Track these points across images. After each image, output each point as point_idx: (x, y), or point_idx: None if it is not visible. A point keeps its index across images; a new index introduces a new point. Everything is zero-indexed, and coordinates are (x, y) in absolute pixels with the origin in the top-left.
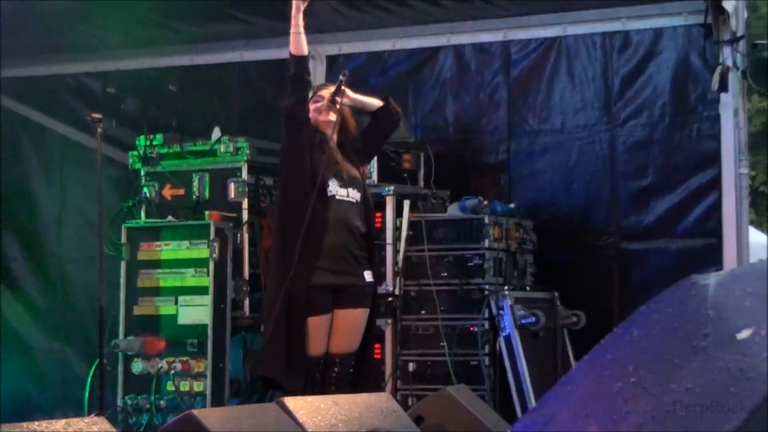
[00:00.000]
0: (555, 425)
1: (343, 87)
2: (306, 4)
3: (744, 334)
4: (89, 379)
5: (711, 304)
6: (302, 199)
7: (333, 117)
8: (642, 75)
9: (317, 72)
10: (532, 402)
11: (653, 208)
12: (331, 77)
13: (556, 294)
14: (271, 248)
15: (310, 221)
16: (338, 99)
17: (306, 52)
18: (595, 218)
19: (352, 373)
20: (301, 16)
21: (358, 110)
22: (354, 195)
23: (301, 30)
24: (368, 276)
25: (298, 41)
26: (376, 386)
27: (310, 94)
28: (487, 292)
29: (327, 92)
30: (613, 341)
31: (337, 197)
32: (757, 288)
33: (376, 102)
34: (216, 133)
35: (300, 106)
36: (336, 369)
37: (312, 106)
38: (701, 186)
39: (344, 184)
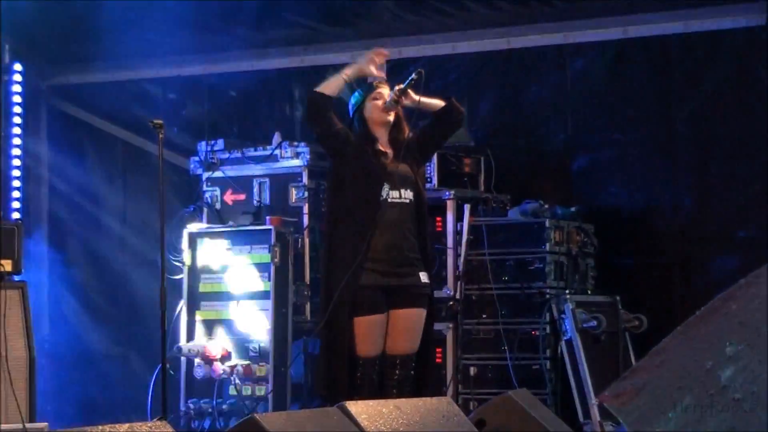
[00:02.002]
0: (647, 395)
1: (410, 87)
2: (380, 62)
3: None
4: (152, 384)
5: None
6: (352, 204)
7: (391, 117)
8: (703, 79)
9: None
10: (594, 406)
11: (716, 212)
12: (393, 81)
13: (618, 298)
14: (320, 254)
15: (360, 224)
16: (402, 98)
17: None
18: (658, 222)
19: (414, 377)
20: (359, 71)
21: (420, 111)
22: (407, 195)
23: (347, 79)
24: (424, 277)
25: (338, 86)
26: (438, 390)
27: (366, 90)
28: (548, 296)
29: (386, 90)
30: (709, 314)
31: (390, 200)
32: None
33: (438, 102)
34: (276, 138)
35: (329, 135)
36: (397, 372)
37: (370, 103)
38: (764, 191)
39: (396, 186)
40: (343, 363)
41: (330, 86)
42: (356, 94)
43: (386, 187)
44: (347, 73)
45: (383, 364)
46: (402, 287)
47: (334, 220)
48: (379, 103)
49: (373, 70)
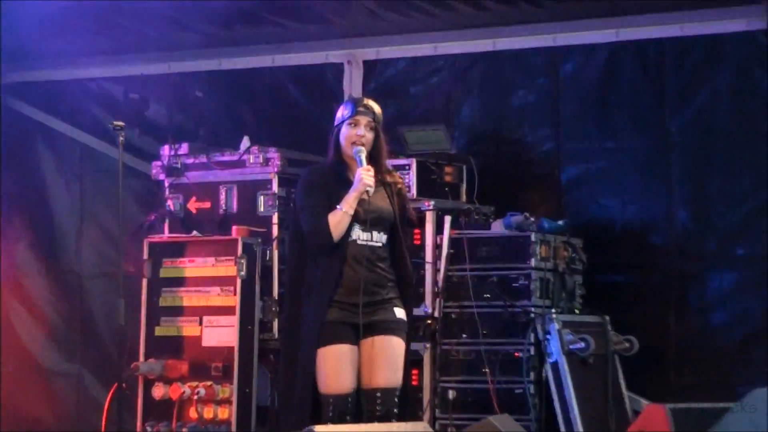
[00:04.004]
0: None
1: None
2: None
3: None
4: (107, 404)
5: None
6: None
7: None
8: (701, 86)
9: (354, 77)
10: None
11: (713, 227)
12: (367, 84)
13: (608, 318)
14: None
15: (326, 261)
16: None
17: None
18: (651, 236)
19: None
20: (359, 196)
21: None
22: (379, 239)
23: (351, 213)
24: (399, 313)
25: (344, 224)
26: (414, 415)
27: (347, 113)
28: (533, 315)
29: (368, 120)
30: None
31: (359, 242)
32: None
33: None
34: (245, 142)
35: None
36: (378, 407)
37: (346, 129)
38: (765, 206)
39: (367, 227)
40: (309, 397)
41: (338, 228)
42: (341, 108)
43: (356, 228)
44: (350, 204)
45: (363, 400)
46: (373, 322)
47: (298, 252)
48: (353, 132)
49: (370, 182)
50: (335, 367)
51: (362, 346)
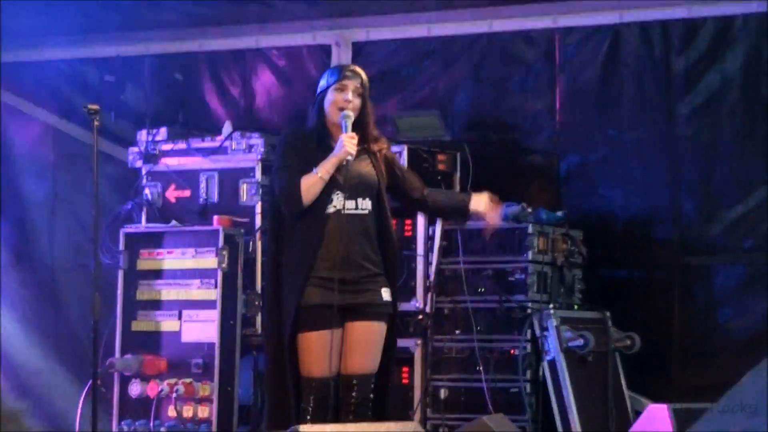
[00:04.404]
0: None
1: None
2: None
3: None
4: (81, 402)
5: None
6: (297, 214)
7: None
8: (709, 70)
9: (342, 60)
10: None
11: (720, 219)
12: (360, 64)
13: (608, 314)
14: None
15: (306, 236)
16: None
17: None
18: (654, 229)
19: (374, 402)
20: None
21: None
22: (364, 205)
23: (327, 179)
24: (386, 294)
25: (316, 188)
26: (404, 414)
27: (333, 78)
28: (529, 311)
29: (355, 85)
30: None
31: (344, 211)
32: None
33: None
34: (227, 127)
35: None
36: (354, 393)
37: (332, 94)
38: None
39: (351, 195)
40: (290, 387)
41: (309, 192)
42: (324, 76)
43: (339, 196)
44: (326, 169)
45: (339, 385)
46: (358, 305)
47: (278, 231)
48: (340, 97)
49: (352, 150)
50: (320, 352)
51: (347, 329)
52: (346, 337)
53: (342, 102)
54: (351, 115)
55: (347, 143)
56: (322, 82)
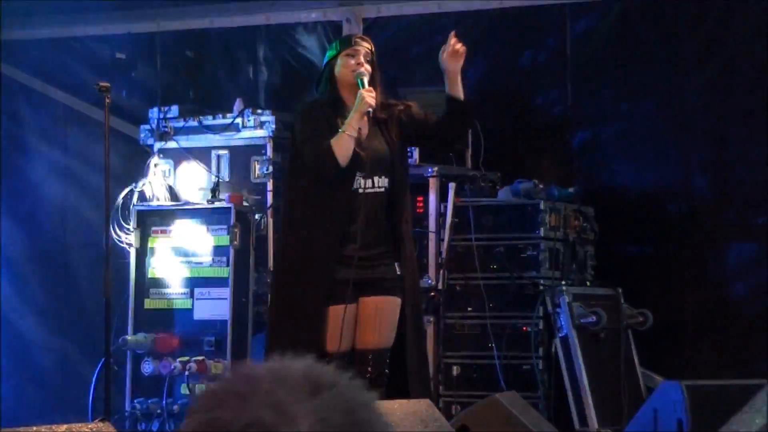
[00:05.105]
0: None
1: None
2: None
3: None
4: (94, 380)
5: None
6: (321, 192)
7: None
8: (722, 44)
9: None
10: (591, 411)
11: (733, 194)
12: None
13: (620, 290)
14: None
15: (330, 215)
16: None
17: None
18: (667, 205)
19: (396, 380)
20: (361, 116)
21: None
22: (381, 183)
23: (355, 135)
24: (399, 268)
25: (348, 146)
26: (425, 392)
27: (344, 45)
28: (541, 288)
29: (366, 50)
30: None
31: (363, 191)
32: None
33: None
34: (238, 105)
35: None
36: (370, 368)
37: (343, 60)
38: None
39: (369, 173)
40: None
41: (342, 151)
42: (331, 46)
43: (358, 177)
44: (352, 126)
45: (353, 361)
46: (373, 279)
47: (296, 208)
48: (352, 61)
49: (372, 102)
50: (339, 326)
51: (360, 304)
52: (362, 311)
53: (354, 66)
54: (365, 72)
55: (366, 96)
56: (331, 52)
